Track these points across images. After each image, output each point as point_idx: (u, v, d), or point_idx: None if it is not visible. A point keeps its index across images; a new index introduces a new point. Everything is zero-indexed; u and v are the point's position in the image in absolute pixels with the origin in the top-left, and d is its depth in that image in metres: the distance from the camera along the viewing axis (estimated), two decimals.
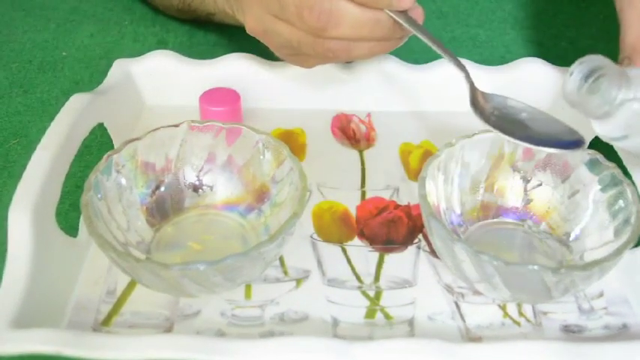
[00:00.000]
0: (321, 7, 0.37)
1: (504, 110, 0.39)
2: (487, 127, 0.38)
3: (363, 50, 0.40)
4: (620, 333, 0.38)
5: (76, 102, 0.44)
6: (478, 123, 0.45)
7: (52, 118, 0.42)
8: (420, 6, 0.39)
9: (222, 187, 0.43)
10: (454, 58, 0.39)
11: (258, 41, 0.44)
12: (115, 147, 0.41)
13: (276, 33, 0.41)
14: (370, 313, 0.38)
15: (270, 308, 0.38)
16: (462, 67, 0.39)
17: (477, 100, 0.38)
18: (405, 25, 0.38)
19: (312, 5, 0.37)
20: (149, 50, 0.53)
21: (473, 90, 0.39)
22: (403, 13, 0.38)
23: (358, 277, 0.40)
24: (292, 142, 0.50)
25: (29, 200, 0.36)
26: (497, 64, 0.53)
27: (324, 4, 0.37)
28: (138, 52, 0.54)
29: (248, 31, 0.43)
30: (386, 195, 0.46)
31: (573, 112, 0.51)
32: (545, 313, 0.39)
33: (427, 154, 0.49)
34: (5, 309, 0.33)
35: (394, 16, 0.37)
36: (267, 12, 0.40)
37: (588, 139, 0.48)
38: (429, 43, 0.38)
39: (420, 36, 0.38)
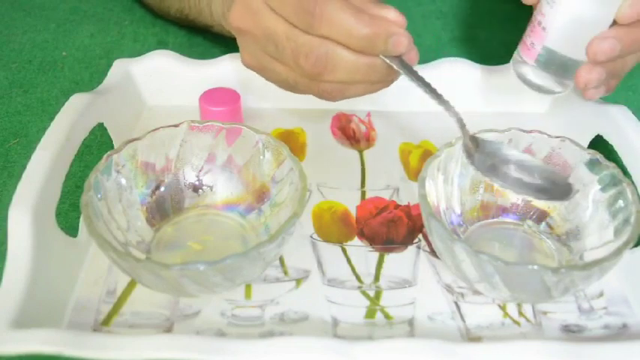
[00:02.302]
0: (317, 54, 0.37)
1: (498, 158, 0.40)
2: (480, 175, 0.39)
3: (357, 91, 0.40)
4: (620, 333, 0.38)
5: (76, 102, 0.44)
6: (478, 123, 0.45)
7: (52, 118, 0.42)
8: (415, 47, 0.38)
9: (222, 187, 0.43)
10: (449, 106, 0.39)
11: None
12: (115, 147, 0.41)
13: (272, 71, 0.41)
14: (370, 313, 0.38)
15: (270, 308, 0.38)
16: (458, 118, 0.39)
17: (471, 153, 0.39)
18: (399, 69, 0.38)
19: (308, 52, 0.37)
20: (149, 50, 0.53)
21: (466, 142, 0.39)
22: (397, 57, 0.38)
23: (358, 277, 0.40)
24: (292, 142, 0.50)
25: (29, 200, 0.36)
26: (497, 64, 0.53)
27: (320, 49, 0.37)
28: (138, 52, 0.54)
29: (244, 65, 0.43)
30: (386, 195, 0.46)
31: (572, 114, 0.51)
32: (545, 313, 0.39)
33: (427, 154, 0.49)
34: (5, 309, 0.33)
35: (388, 61, 0.38)
36: (263, 51, 0.40)
37: (588, 139, 0.48)
38: (423, 88, 0.38)
39: (413, 80, 0.38)
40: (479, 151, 0.39)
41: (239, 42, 0.42)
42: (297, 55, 0.37)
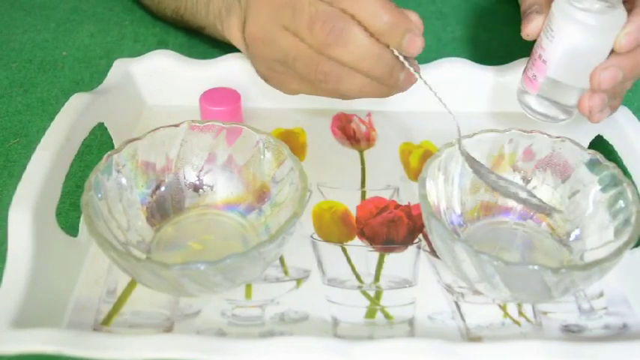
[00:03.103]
0: (334, 23, 0.37)
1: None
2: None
3: (353, 83, 0.39)
4: (620, 333, 0.38)
5: (77, 102, 0.44)
6: (478, 123, 0.45)
7: (52, 118, 0.42)
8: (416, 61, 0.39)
9: (223, 187, 0.43)
10: (448, 108, 0.39)
11: None
12: (116, 147, 0.41)
13: (275, 43, 0.40)
14: (370, 313, 0.38)
15: (271, 308, 0.38)
16: (456, 124, 0.40)
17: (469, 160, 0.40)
18: (406, 63, 0.38)
19: (326, 19, 0.37)
20: (149, 50, 0.53)
21: (463, 150, 0.41)
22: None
23: (358, 277, 0.40)
24: (292, 142, 0.50)
25: (29, 200, 0.36)
26: (497, 64, 0.53)
27: (339, 21, 0.37)
28: (138, 52, 0.54)
29: (246, 36, 0.42)
30: (386, 195, 0.46)
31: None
32: (545, 313, 0.39)
33: (427, 154, 0.49)
34: (5, 309, 0.33)
35: (396, 52, 0.38)
36: (275, 20, 0.40)
37: (588, 139, 0.48)
38: (428, 86, 0.39)
39: (418, 76, 0.39)
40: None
41: (250, 10, 0.41)
42: (315, 21, 0.37)
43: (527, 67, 0.44)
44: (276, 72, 0.42)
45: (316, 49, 0.38)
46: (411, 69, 0.38)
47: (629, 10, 0.39)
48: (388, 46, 0.38)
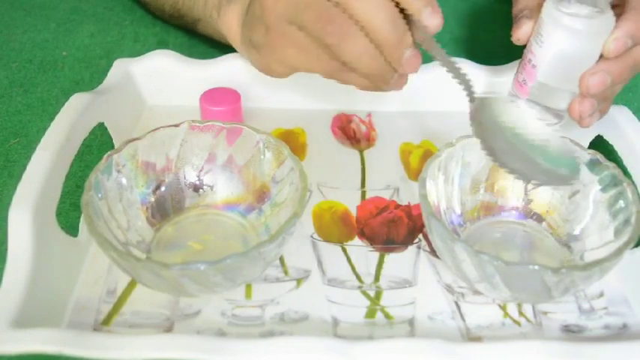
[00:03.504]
0: (335, 21, 0.36)
1: (501, 133, 0.39)
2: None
3: (357, 45, 0.37)
4: (620, 333, 0.38)
5: (77, 102, 0.44)
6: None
7: (52, 118, 0.42)
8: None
9: (223, 187, 0.43)
10: (458, 71, 0.39)
11: None
12: (116, 147, 0.41)
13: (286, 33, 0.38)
14: (370, 313, 0.38)
15: (271, 308, 0.38)
16: (466, 82, 0.39)
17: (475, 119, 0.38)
18: (427, 42, 0.37)
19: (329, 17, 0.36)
20: (149, 50, 0.53)
21: (472, 109, 0.39)
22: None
23: (358, 277, 0.40)
24: (292, 142, 0.50)
25: (30, 200, 0.36)
26: (497, 65, 0.53)
27: (342, 20, 0.36)
28: (138, 52, 0.54)
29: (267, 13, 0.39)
30: (386, 195, 0.46)
31: None
32: (545, 313, 0.39)
33: (427, 154, 0.49)
34: (6, 308, 0.33)
35: (420, 29, 0.37)
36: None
37: (588, 139, 0.48)
38: (437, 55, 0.38)
39: (425, 46, 0.38)
40: (484, 118, 0.38)
41: (253, 17, 0.39)
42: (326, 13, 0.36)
43: (518, 71, 0.44)
44: (275, 35, 0.40)
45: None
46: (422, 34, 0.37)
47: (619, 15, 0.39)
48: (406, 18, 0.37)
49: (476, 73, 0.52)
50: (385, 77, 0.39)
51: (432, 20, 0.36)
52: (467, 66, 0.52)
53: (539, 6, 0.41)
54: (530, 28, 0.42)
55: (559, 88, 0.42)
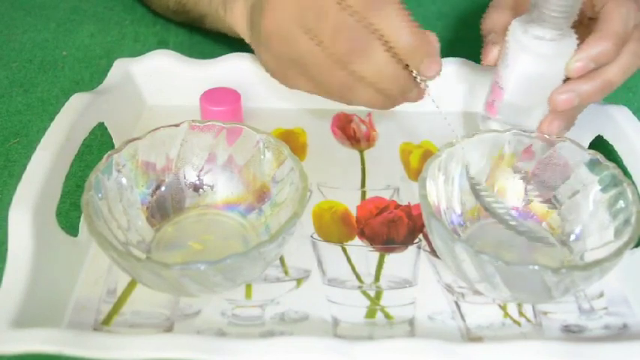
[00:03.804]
0: (358, 38, 0.37)
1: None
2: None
3: (364, 95, 0.40)
4: (620, 333, 0.38)
5: (77, 101, 0.44)
6: (478, 123, 0.45)
7: (52, 118, 0.42)
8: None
9: (223, 187, 0.43)
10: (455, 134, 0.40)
11: None
12: (116, 146, 0.41)
13: (292, 44, 0.39)
14: (370, 313, 0.38)
15: (271, 308, 0.38)
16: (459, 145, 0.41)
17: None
18: (422, 84, 0.39)
19: (351, 33, 0.37)
20: (150, 50, 0.53)
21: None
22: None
23: (358, 277, 0.40)
24: (293, 142, 0.50)
25: (30, 200, 0.36)
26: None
27: (362, 37, 0.37)
28: (138, 51, 0.54)
29: (262, 29, 0.41)
30: (386, 195, 0.46)
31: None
32: (545, 313, 0.39)
33: (427, 154, 0.49)
34: (6, 308, 0.33)
35: (415, 73, 0.39)
36: (296, 20, 0.38)
37: (588, 140, 0.48)
38: (437, 106, 0.40)
39: (431, 101, 0.40)
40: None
41: (268, 3, 0.40)
42: (339, 32, 0.37)
43: (488, 93, 0.46)
44: (286, 68, 0.42)
45: (335, 59, 0.38)
46: (427, 92, 0.39)
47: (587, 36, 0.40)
48: (407, 66, 0.38)
49: (476, 73, 0.52)
50: (405, 90, 0.39)
51: (429, 72, 0.38)
52: (467, 66, 0.53)
53: (505, 28, 0.43)
54: (497, 52, 0.44)
55: (526, 107, 0.43)
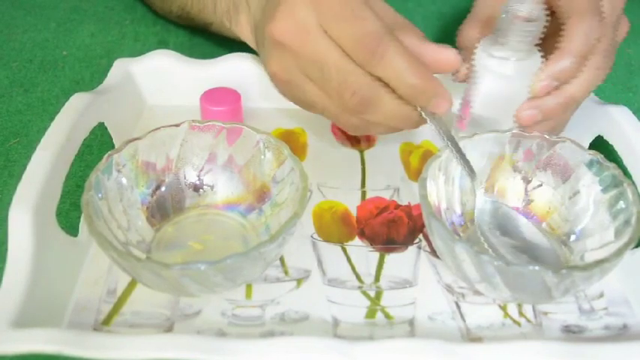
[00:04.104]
0: (363, 94, 0.37)
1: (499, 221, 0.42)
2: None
3: (380, 130, 0.41)
4: (620, 333, 0.38)
5: (77, 101, 0.44)
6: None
7: (52, 118, 0.42)
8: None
9: (223, 187, 0.43)
10: (467, 163, 0.40)
11: None
12: (116, 146, 0.41)
13: (301, 89, 0.40)
14: (371, 313, 0.38)
15: (271, 308, 0.38)
16: (472, 174, 0.41)
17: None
18: (431, 122, 0.39)
19: (357, 90, 0.37)
20: (150, 50, 0.53)
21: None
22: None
23: (359, 277, 0.40)
24: (293, 142, 0.50)
25: (30, 200, 0.36)
26: None
27: (368, 91, 0.37)
28: (138, 51, 0.54)
29: (269, 73, 0.41)
30: (386, 195, 0.46)
31: (573, 115, 0.51)
32: (545, 314, 0.39)
33: (428, 154, 0.49)
34: (6, 308, 0.33)
35: (424, 114, 0.39)
36: (302, 70, 0.39)
37: (589, 140, 0.48)
38: (447, 143, 0.40)
39: (441, 134, 0.40)
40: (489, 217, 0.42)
41: (272, 52, 0.40)
42: (344, 90, 0.37)
43: (459, 109, 0.46)
44: (310, 108, 0.43)
45: (345, 110, 0.39)
46: (433, 125, 0.39)
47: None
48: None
49: None
50: (419, 123, 0.40)
51: (439, 110, 0.38)
52: None
53: (474, 46, 0.43)
54: (465, 70, 0.44)
55: (492, 124, 0.44)
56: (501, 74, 0.41)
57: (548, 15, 0.39)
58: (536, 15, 0.39)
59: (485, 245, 0.39)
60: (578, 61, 0.39)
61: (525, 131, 0.42)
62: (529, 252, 0.40)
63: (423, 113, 0.39)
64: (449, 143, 0.39)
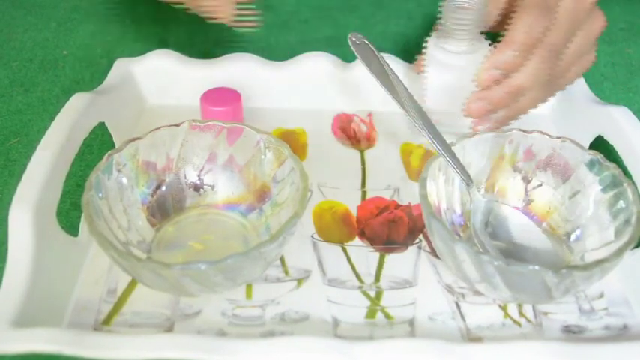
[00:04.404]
0: None
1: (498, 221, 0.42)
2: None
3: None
4: (620, 334, 0.38)
5: (77, 101, 0.44)
6: None
7: (52, 117, 0.42)
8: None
9: (223, 187, 0.43)
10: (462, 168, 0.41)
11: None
12: (116, 146, 0.41)
13: None
14: (371, 313, 0.38)
15: (271, 308, 0.38)
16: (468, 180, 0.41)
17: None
18: (425, 132, 0.40)
19: None
20: (150, 50, 0.53)
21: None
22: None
23: (359, 277, 0.41)
24: (293, 142, 0.50)
25: (30, 199, 0.36)
26: None
27: None
28: (139, 51, 0.54)
29: None
30: (387, 195, 0.46)
31: (574, 115, 0.51)
32: (545, 314, 0.39)
33: (428, 154, 0.49)
34: (6, 308, 0.33)
35: (417, 125, 0.40)
36: None
37: (589, 140, 0.48)
38: (441, 151, 0.40)
39: (434, 144, 0.40)
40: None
41: None
42: None
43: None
44: None
45: None
46: (428, 137, 0.40)
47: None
48: None
49: None
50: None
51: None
52: None
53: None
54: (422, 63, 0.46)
55: (447, 116, 0.45)
56: (449, 66, 0.42)
57: (485, 5, 0.41)
58: (472, 4, 0.41)
59: (480, 250, 0.39)
60: (519, 50, 0.40)
61: (479, 124, 0.43)
62: (529, 252, 0.40)
63: (416, 125, 0.39)
64: (442, 151, 0.40)
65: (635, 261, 0.40)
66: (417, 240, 0.43)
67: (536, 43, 0.40)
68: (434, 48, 0.44)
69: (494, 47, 0.41)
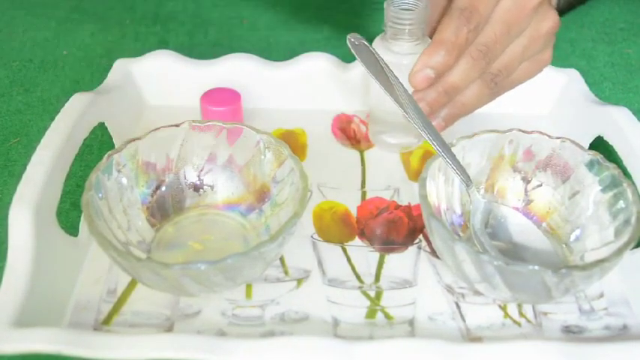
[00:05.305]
0: None
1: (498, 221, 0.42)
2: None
3: None
4: (620, 334, 0.38)
5: (77, 101, 0.44)
6: (480, 124, 0.45)
7: (52, 117, 0.42)
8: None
9: (223, 187, 0.43)
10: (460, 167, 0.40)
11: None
12: (116, 146, 0.41)
13: None
14: (371, 313, 0.38)
15: (271, 308, 0.38)
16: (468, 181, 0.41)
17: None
18: (425, 134, 0.40)
19: None
20: (150, 50, 0.53)
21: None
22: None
23: (359, 277, 0.40)
24: (293, 142, 0.50)
25: (30, 199, 0.36)
26: None
27: None
28: (139, 51, 0.54)
29: None
30: (386, 195, 0.46)
31: (574, 115, 0.52)
32: (545, 314, 0.39)
33: (427, 155, 0.49)
34: (6, 308, 0.33)
35: (417, 126, 0.40)
36: None
37: (589, 140, 0.48)
38: (441, 153, 0.40)
39: (434, 145, 0.40)
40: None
41: None
42: None
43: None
44: None
45: None
46: (429, 139, 0.40)
47: None
48: None
49: None
50: None
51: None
52: None
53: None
54: None
55: (389, 119, 0.46)
56: (395, 66, 0.42)
57: (426, 6, 0.42)
58: (412, 4, 0.42)
59: (480, 250, 0.39)
60: (446, 49, 0.40)
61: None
62: (528, 252, 0.40)
63: (415, 126, 0.39)
64: (442, 152, 0.39)
65: (635, 261, 0.40)
66: (417, 240, 0.43)
67: (466, 44, 0.40)
68: (380, 49, 0.44)
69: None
